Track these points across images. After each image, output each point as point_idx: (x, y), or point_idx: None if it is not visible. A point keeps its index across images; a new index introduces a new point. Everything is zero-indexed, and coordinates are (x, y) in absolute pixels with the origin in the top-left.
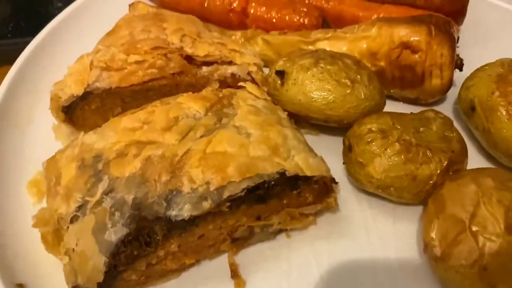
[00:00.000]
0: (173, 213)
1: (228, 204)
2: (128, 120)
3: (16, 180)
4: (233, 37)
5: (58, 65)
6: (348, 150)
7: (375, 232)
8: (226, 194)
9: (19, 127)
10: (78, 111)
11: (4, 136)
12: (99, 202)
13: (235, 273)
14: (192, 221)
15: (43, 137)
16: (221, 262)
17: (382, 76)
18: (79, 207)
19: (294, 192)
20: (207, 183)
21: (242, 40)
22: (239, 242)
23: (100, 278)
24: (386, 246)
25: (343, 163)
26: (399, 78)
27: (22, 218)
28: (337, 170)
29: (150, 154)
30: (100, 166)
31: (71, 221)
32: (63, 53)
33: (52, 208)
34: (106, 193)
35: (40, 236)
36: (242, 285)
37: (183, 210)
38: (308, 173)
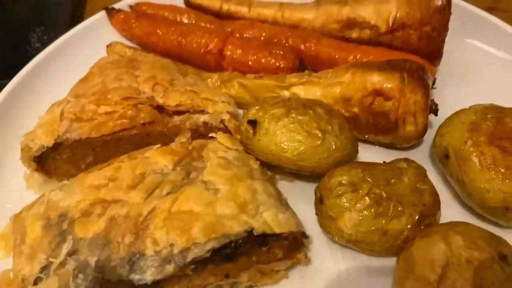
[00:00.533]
0: (136, 277)
1: (193, 267)
2: (94, 177)
3: None
4: (209, 79)
5: (30, 112)
6: (319, 202)
7: (349, 286)
8: (190, 257)
9: None
10: (50, 161)
11: None
12: (62, 264)
13: None
14: (156, 284)
15: (14, 185)
16: None
17: (356, 122)
18: (43, 268)
19: (264, 248)
20: (171, 245)
21: (219, 82)
22: None
23: None
24: None
25: (316, 214)
26: (373, 124)
27: None
28: (311, 219)
29: (114, 213)
30: (65, 225)
31: (35, 283)
32: (35, 99)
33: (16, 269)
34: (70, 254)
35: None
36: None
37: (146, 274)
38: (277, 230)
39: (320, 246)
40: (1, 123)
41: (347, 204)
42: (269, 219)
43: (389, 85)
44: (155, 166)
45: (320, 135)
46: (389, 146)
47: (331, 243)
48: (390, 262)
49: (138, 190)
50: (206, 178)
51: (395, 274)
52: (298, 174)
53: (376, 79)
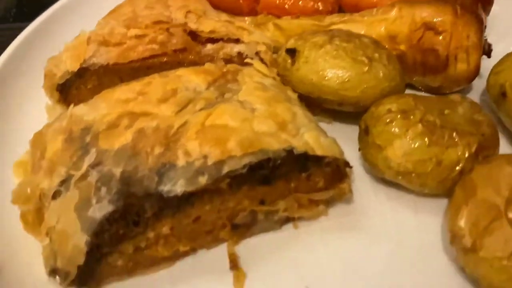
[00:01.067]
0: (165, 188)
1: (227, 181)
2: (122, 91)
3: (3, 162)
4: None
5: (55, 48)
6: (364, 133)
7: (394, 225)
8: (225, 170)
9: (10, 108)
10: (74, 90)
11: None
12: (84, 176)
13: (234, 264)
14: (187, 200)
15: (35, 118)
16: (220, 252)
17: (403, 61)
18: (63, 182)
19: (303, 174)
20: (205, 157)
21: (252, 26)
22: (240, 230)
23: (81, 259)
24: (406, 240)
25: (359, 150)
26: (421, 63)
27: (3, 197)
28: (352, 161)
29: (144, 126)
30: (88, 138)
31: (53, 197)
32: (62, 35)
33: (34, 183)
34: (93, 166)
35: (20, 214)
36: (242, 277)
37: (177, 186)
38: (319, 153)
39: (362, 187)
40: (25, 57)
41: (397, 131)
42: (310, 141)
43: (440, 18)
44: (188, 84)
45: (366, 61)
46: (436, 91)
47: (375, 184)
48: (440, 203)
49: (170, 104)
50: (242, 98)
51: (450, 205)
52: (337, 113)
53: (426, 12)
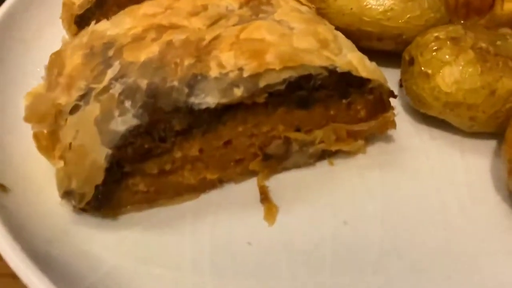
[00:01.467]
0: (196, 100)
1: (264, 97)
2: (149, 6)
3: (17, 94)
4: None
5: None
6: (408, 64)
7: (440, 164)
8: (262, 84)
9: (25, 41)
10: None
11: (9, 50)
12: (106, 89)
13: (265, 197)
14: (219, 117)
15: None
16: (249, 186)
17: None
18: (82, 96)
19: (344, 101)
20: (240, 69)
21: None
22: (271, 162)
23: (100, 178)
24: (454, 180)
25: (400, 86)
26: (463, 3)
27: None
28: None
29: (172, 38)
30: (111, 52)
31: (71, 112)
32: None
33: (50, 99)
34: (116, 79)
35: (33, 134)
36: (274, 210)
37: (209, 97)
38: (364, 74)
39: (403, 127)
40: None
41: (447, 57)
42: (354, 61)
43: None
44: (219, 3)
45: None
46: None
47: (417, 124)
48: (488, 145)
49: (200, 18)
50: (278, 18)
51: (508, 134)
52: (374, 54)
53: None
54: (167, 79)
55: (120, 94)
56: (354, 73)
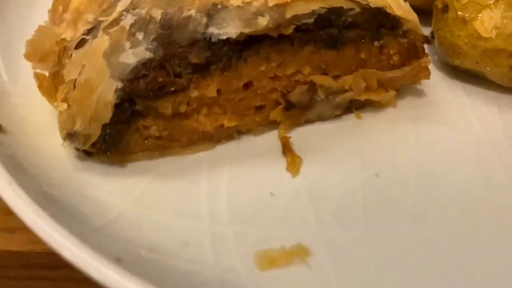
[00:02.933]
0: (215, 30)
1: (291, 30)
2: None
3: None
4: None
5: None
6: (442, 12)
7: (476, 119)
8: (289, 14)
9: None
10: None
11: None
12: (116, 21)
13: (287, 148)
14: (240, 51)
15: None
16: (269, 138)
17: None
18: (90, 30)
19: (375, 43)
20: None
21: None
22: (294, 111)
23: (107, 115)
24: (492, 135)
25: (432, 37)
26: None
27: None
28: None
29: None
30: None
31: (77, 47)
32: None
33: (54, 35)
34: (127, 10)
35: (34, 73)
36: (297, 161)
37: (230, 27)
38: (399, 13)
39: (435, 81)
40: None
41: (487, 0)
42: None
43: None
44: None
45: None
46: None
47: (449, 79)
48: None
49: None
50: None
51: None
52: None
53: None
54: (184, 9)
55: (131, 26)
56: (388, 10)
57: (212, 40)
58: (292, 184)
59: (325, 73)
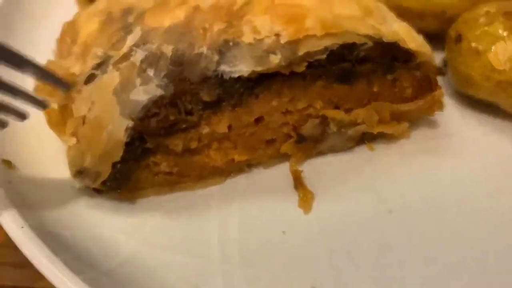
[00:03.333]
0: (227, 68)
1: (303, 67)
2: None
3: None
4: None
5: None
6: (455, 42)
7: (489, 151)
8: (302, 51)
9: (35, 18)
10: None
11: (18, 27)
12: (126, 56)
13: (299, 182)
14: (251, 88)
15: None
16: (280, 172)
17: None
18: (99, 65)
19: (388, 77)
20: (277, 35)
21: None
22: (306, 144)
23: (118, 154)
24: (505, 168)
25: (444, 65)
26: None
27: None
28: None
29: (199, 3)
30: (131, 18)
31: (86, 82)
32: None
33: (62, 69)
34: (137, 45)
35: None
36: (309, 196)
37: (242, 65)
38: (412, 46)
39: (447, 112)
40: None
41: (501, 32)
42: (401, 31)
43: None
44: None
45: None
46: None
47: (462, 109)
48: None
49: None
50: None
51: None
52: None
53: None
54: (195, 45)
55: (142, 61)
56: (401, 44)
57: (224, 77)
58: (304, 221)
59: (337, 107)
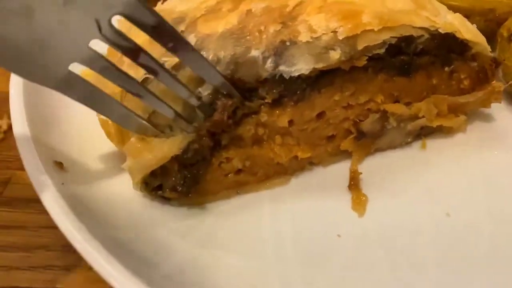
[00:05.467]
0: (286, 68)
1: (364, 61)
2: None
3: None
4: None
5: None
6: (508, 41)
7: None
8: (361, 45)
9: None
10: None
11: None
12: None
13: (355, 183)
14: (313, 84)
15: None
16: (339, 170)
17: None
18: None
19: (446, 69)
20: (334, 31)
21: None
22: (365, 141)
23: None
24: None
25: (496, 66)
26: None
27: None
28: None
29: (251, 7)
30: (182, 26)
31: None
32: None
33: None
34: None
35: (100, 121)
36: (363, 199)
37: (301, 63)
38: (468, 37)
39: (500, 106)
40: None
41: None
42: (456, 22)
43: None
44: None
45: None
46: None
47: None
48: None
49: None
50: None
51: None
52: None
53: None
54: (251, 48)
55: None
56: (457, 35)
57: (284, 77)
58: (359, 225)
59: (397, 101)
